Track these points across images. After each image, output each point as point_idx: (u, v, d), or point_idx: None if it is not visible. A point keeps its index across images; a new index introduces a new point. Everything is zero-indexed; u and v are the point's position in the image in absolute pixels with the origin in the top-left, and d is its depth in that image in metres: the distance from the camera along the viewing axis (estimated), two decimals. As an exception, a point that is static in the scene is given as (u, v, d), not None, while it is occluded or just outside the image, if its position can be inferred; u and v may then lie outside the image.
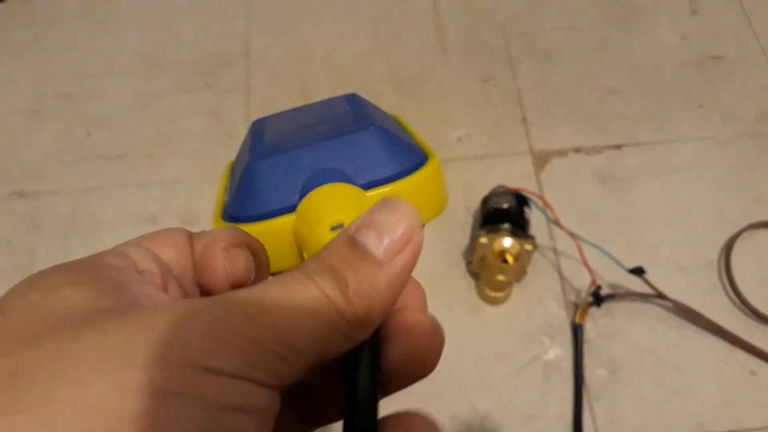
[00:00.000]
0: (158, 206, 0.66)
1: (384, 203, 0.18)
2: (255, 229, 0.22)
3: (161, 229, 0.20)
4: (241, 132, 0.70)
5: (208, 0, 0.81)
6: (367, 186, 0.23)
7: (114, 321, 0.15)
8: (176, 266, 0.19)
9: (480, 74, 0.74)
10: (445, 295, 0.61)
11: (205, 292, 0.20)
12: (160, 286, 0.18)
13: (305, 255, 0.22)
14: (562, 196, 0.66)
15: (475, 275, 0.61)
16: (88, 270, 0.17)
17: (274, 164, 0.23)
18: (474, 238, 0.59)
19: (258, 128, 0.27)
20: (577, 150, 0.69)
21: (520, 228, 0.58)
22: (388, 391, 0.19)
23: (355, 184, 0.23)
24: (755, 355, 0.58)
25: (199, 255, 0.20)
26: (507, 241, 0.57)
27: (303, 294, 0.16)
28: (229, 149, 0.69)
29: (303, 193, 0.22)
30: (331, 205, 0.21)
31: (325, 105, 0.28)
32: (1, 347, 0.14)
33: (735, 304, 0.61)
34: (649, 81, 0.74)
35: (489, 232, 0.58)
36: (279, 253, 0.23)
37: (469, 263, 0.61)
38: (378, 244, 0.17)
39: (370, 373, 0.18)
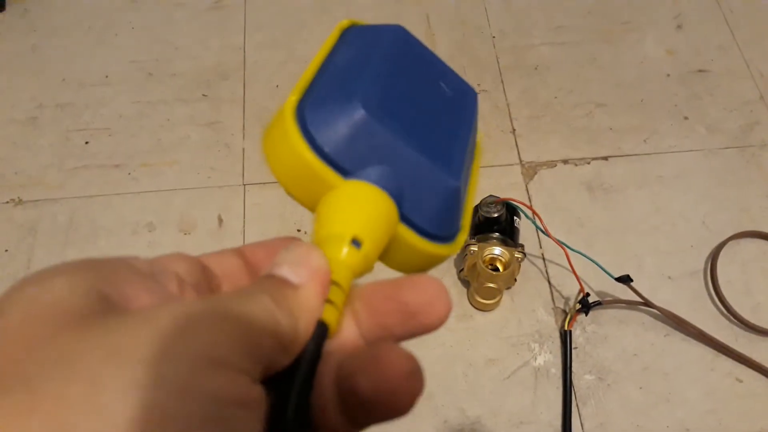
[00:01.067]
0: (156, 215, 0.67)
1: (288, 248, 0.20)
2: (312, 161, 0.22)
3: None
4: (238, 142, 0.71)
5: (206, 13, 0.82)
6: (404, 219, 0.23)
7: (118, 319, 0.15)
8: (191, 276, 0.20)
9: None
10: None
11: None
12: (176, 294, 0.19)
13: (315, 225, 0.22)
14: (551, 206, 0.67)
15: (466, 283, 0.63)
16: (89, 264, 0.17)
17: (376, 130, 0.22)
18: (465, 247, 0.61)
19: (390, 47, 0.26)
20: (566, 161, 0.70)
21: (509, 237, 0.60)
22: (360, 424, 0.19)
23: (400, 205, 0.23)
24: (741, 363, 0.59)
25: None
26: (497, 250, 0.58)
27: (261, 300, 0.18)
28: (227, 158, 0.70)
29: (362, 172, 0.22)
30: (369, 219, 0.22)
31: (448, 88, 0.27)
32: (7, 348, 0.14)
33: (721, 312, 0.62)
34: (636, 94, 0.76)
35: (479, 240, 0.59)
36: (308, 189, 0.23)
37: (460, 271, 0.62)
38: (291, 273, 0.19)
39: (301, 387, 0.18)
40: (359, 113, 0.22)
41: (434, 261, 0.24)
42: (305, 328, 0.19)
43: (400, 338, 0.20)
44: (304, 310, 0.19)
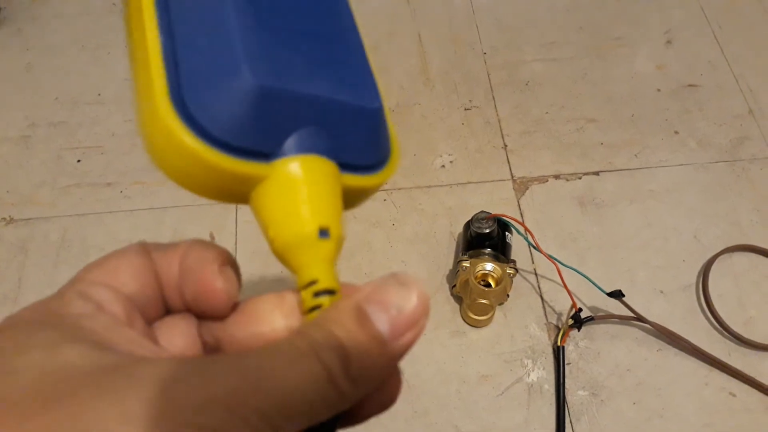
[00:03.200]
0: (148, 233, 0.67)
1: (397, 280, 0.18)
2: (225, 163, 0.18)
3: (115, 251, 0.19)
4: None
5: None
6: (345, 167, 0.20)
7: (125, 380, 0.15)
8: (139, 296, 0.19)
9: (462, 103, 0.76)
10: (429, 319, 0.61)
11: (199, 312, 0.20)
12: (127, 323, 0.18)
13: (271, 231, 0.19)
14: (543, 221, 0.67)
15: (458, 299, 0.63)
16: (67, 324, 0.17)
17: (277, 97, 0.18)
18: (457, 263, 0.61)
19: None
20: (557, 176, 0.71)
21: (501, 252, 0.60)
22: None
23: (336, 159, 0.20)
24: (734, 377, 0.59)
25: (186, 274, 0.20)
26: (489, 266, 0.58)
27: (306, 368, 0.16)
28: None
29: (286, 148, 0.19)
30: (321, 200, 0.19)
31: None
32: (26, 408, 0.15)
33: (713, 326, 0.62)
34: (627, 109, 0.76)
35: (471, 256, 0.59)
36: (227, 190, 0.19)
37: (452, 287, 0.62)
38: (386, 325, 0.17)
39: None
40: (254, 86, 0.18)
41: (376, 190, 0.22)
42: (370, 390, 0.17)
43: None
44: (379, 375, 0.17)
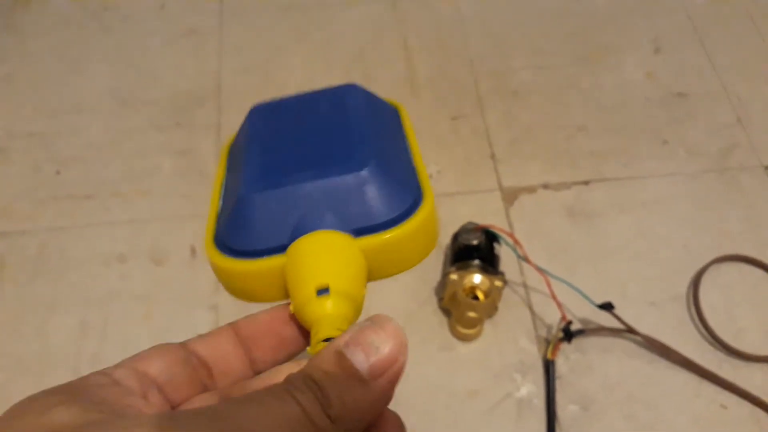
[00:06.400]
0: (128, 245, 0.65)
1: (373, 321, 0.18)
2: (247, 266, 0.23)
3: (152, 346, 0.21)
4: (212, 170, 0.70)
5: (180, 38, 0.81)
6: (359, 232, 0.23)
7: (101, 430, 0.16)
8: (163, 373, 0.20)
9: (450, 112, 0.75)
10: (417, 333, 0.60)
11: (271, 363, 0.23)
12: (140, 395, 0.19)
13: (292, 308, 0.22)
14: (532, 232, 0.66)
15: (446, 312, 0.61)
16: (75, 391, 0.18)
17: (268, 199, 0.23)
18: (444, 275, 0.59)
19: (256, 128, 0.27)
20: (546, 186, 0.70)
21: (490, 264, 0.59)
22: None
23: (346, 229, 0.22)
24: (725, 389, 0.58)
25: (257, 336, 0.22)
26: (477, 278, 0.57)
27: (280, 411, 0.16)
28: (200, 186, 0.69)
29: (294, 234, 0.22)
30: (318, 265, 0.21)
31: (325, 105, 0.27)
32: None
33: (704, 337, 0.61)
34: (616, 118, 0.75)
35: (459, 268, 0.58)
36: (268, 288, 0.23)
37: (440, 300, 0.61)
38: (365, 363, 0.17)
39: None
40: (244, 198, 0.23)
41: (420, 235, 0.23)
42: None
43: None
44: (363, 416, 0.17)
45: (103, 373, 0.19)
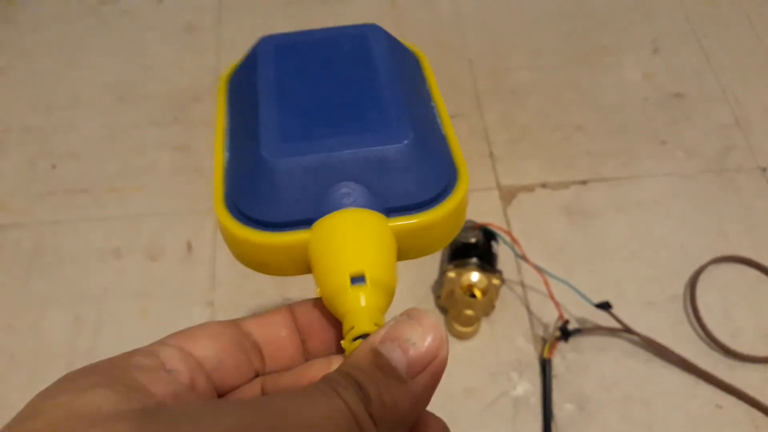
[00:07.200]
0: (123, 241, 0.65)
1: (410, 316, 0.18)
2: (268, 239, 0.20)
3: (202, 323, 0.20)
4: (208, 166, 0.70)
5: (178, 34, 0.81)
6: (391, 211, 0.21)
7: (139, 424, 0.15)
8: (212, 359, 0.19)
9: (448, 111, 0.75)
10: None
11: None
12: (187, 384, 0.18)
13: (318, 291, 0.20)
14: (529, 231, 0.66)
15: (444, 310, 0.61)
16: (115, 372, 0.17)
17: (294, 167, 0.20)
18: (442, 273, 0.59)
19: (268, 68, 0.23)
20: (544, 185, 0.70)
21: (487, 262, 0.58)
22: None
23: (379, 207, 0.20)
24: (721, 389, 0.58)
25: (311, 327, 0.21)
26: (474, 276, 0.57)
27: (327, 405, 0.16)
28: (197, 183, 0.68)
29: (321, 208, 0.20)
30: (352, 249, 0.19)
31: (347, 46, 0.24)
32: None
33: (701, 337, 0.61)
34: (614, 118, 0.75)
35: (457, 266, 0.58)
36: (287, 263, 0.21)
37: (437, 298, 0.61)
38: (402, 360, 0.17)
39: None
40: (266, 163, 0.20)
41: (453, 218, 0.21)
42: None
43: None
44: (404, 415, 0.17)
45: (148, 352, 0.18)
